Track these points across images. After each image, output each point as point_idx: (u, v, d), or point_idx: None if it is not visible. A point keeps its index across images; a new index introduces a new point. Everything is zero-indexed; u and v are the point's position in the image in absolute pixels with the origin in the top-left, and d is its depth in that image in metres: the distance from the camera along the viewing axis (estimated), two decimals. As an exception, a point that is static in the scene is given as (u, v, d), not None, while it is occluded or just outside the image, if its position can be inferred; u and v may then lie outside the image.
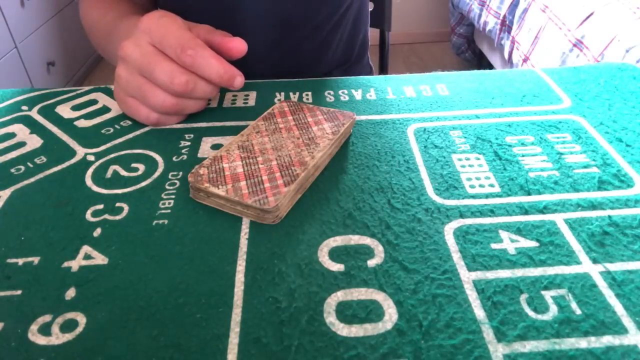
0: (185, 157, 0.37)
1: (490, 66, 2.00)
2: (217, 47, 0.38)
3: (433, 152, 0.37)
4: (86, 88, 0.47)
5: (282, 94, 0.45)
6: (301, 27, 0.57)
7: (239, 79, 0.38)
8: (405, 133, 0.39)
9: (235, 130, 0.40)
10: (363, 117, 0.41)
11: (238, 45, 0.39)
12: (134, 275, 0.27)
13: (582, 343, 0.23)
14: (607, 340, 0.23)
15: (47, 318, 0.25)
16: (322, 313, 0.25)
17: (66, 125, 0.42)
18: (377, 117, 0.41)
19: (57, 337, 0.24)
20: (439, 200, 0.32)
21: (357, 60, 0.68)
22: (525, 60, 1.56)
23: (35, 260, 0.29)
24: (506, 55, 1.72)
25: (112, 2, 0.55)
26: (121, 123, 0.42)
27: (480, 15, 1.91)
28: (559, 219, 0.30)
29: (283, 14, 0.55)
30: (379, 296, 0.26)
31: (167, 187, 0.34)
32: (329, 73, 0.63)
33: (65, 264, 0.28)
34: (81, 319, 0.25)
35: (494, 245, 0.29)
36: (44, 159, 0.37)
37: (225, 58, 0.38)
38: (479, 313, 0.25)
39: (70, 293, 0.26)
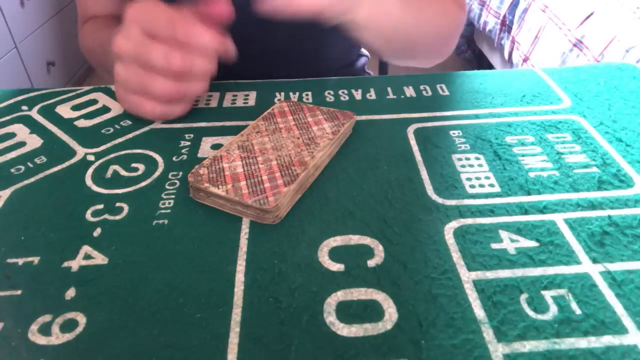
0: (185, 157, 0.37)
1: (490, 66, 1.99)
2: (204, 17, 0.38)
3: (433, 152, 0.37)
4: (86, 88, 0.47)
5: (282, 94, 0.45)
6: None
7: (232, 49, 0.39)
8: (405, 133, 0.39)
9: (235, 130, 0.40)
10: (363, 117, 0.41)
11: (222, 8, 0.38)
12: (134, 275, 0.27)
13: (582, 343, 0.23)
14: (607, 340, 0.23)
15: (47, 318, 0.25)
16: (322, 313, 0.25)
17: (66, 125, 0.42)
18: (377, 117, 0.41)
19: (57, 337, 0.24)
20: (439, 200, 0.32)
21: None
22: (525, 60, 1.56)
23: (35, 260, 0.29)
24: (506, 55, 1.72)
25: (106, 23, 0.56)
26: (121, 123, 0.42)
27: (480, 15, 1.91)
28: (559, 219, 0.30)
29: None
30: (379, 296, 0.26)
31: (167, 187, 0.34)
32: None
33: (65, 264, 0.28)
34: (81, 319, 0.25)
35: (494, 245, 0.29)
36: (44, 159, 0.37)
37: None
38: (479, 313, 0.25)
39: (70, 293, 0.26)
